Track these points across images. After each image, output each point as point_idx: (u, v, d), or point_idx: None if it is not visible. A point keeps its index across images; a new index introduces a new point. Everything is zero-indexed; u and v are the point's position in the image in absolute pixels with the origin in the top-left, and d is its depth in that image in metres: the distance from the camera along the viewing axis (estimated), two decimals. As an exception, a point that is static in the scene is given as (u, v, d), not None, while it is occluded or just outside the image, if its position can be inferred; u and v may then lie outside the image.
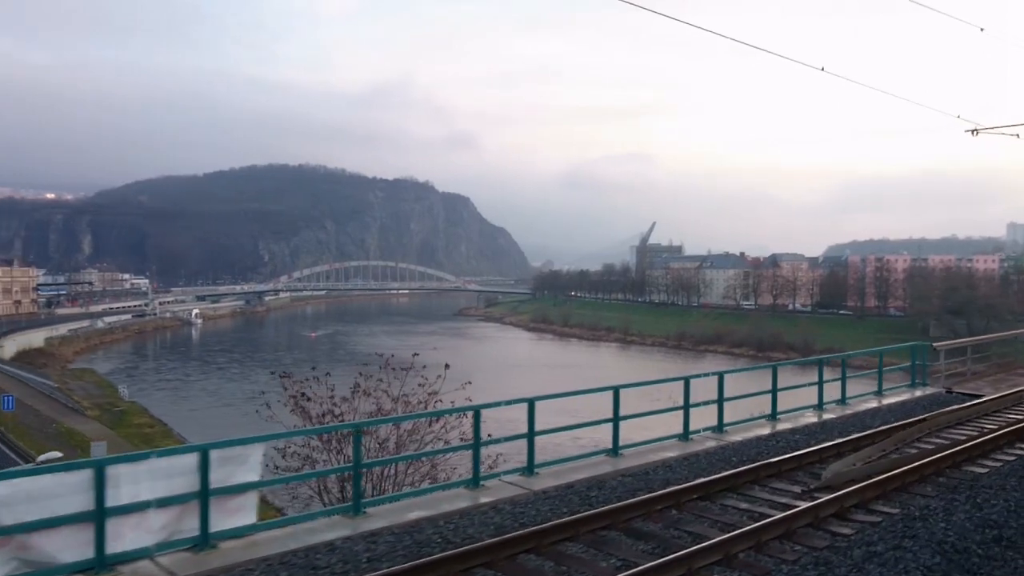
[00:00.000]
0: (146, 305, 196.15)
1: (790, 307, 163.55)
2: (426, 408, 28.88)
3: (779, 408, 15.58)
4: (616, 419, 12.60)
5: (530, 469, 11.46)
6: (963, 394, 17.46)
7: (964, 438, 13.39)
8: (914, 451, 12.70)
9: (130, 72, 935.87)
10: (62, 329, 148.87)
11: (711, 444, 13.56)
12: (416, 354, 23.65)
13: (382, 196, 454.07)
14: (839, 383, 17.34)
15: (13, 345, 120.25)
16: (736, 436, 14.15)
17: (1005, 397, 16.33)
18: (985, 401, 15.89)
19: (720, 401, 14.56)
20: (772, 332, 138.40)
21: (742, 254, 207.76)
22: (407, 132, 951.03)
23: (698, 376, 14.53)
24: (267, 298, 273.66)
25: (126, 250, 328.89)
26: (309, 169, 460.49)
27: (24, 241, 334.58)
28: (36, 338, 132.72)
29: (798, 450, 12.52)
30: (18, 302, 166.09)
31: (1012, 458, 12.45)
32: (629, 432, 13.67)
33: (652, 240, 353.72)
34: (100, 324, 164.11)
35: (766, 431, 14.54)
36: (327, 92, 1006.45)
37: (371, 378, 32.50)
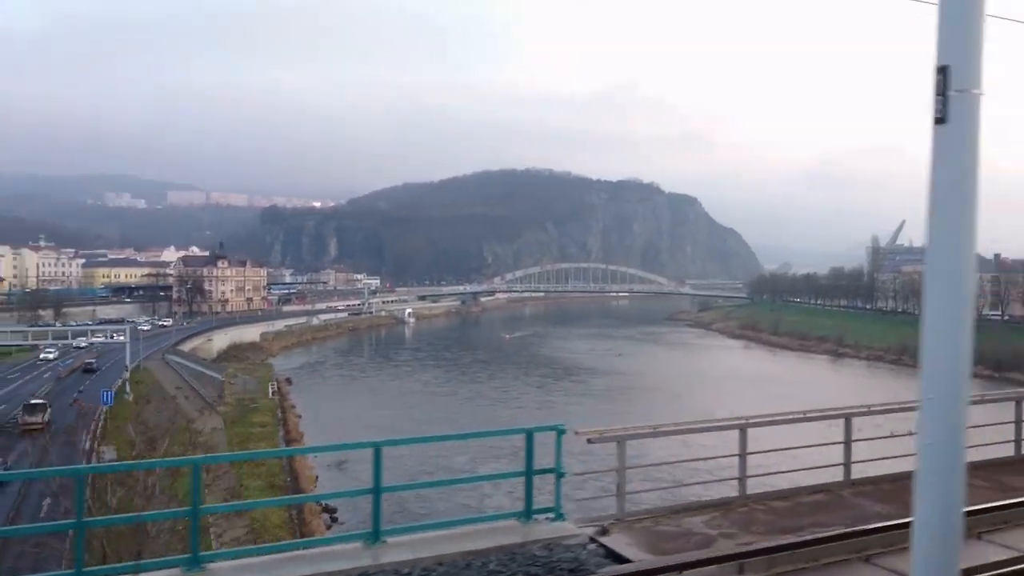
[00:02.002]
0: (362, 304, 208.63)
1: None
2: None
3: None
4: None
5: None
6: (610, 553, 7.89)
7: None
8: None
9: (380, 89, 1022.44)
10: (279, 325, 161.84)
11: None
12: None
13: (605, 198, 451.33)
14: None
15: (224, 339, 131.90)
16: None
17: None
18: None
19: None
20: (1016, 349, 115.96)
21: (997, 256, 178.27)
22: (634, 133, 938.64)
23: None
24: (483, 299, 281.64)
25: (365, 252, 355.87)
26: (535, 173, 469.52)
27: (282, 245, 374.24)
28: (251, 332, 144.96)
29: None
30: (250, 299, 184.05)
31: None
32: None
33: (900, 240, 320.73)
34: (315, 321, 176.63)
35: None
36: (557, 97, 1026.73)
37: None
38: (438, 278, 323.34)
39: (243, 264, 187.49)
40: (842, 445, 10.71)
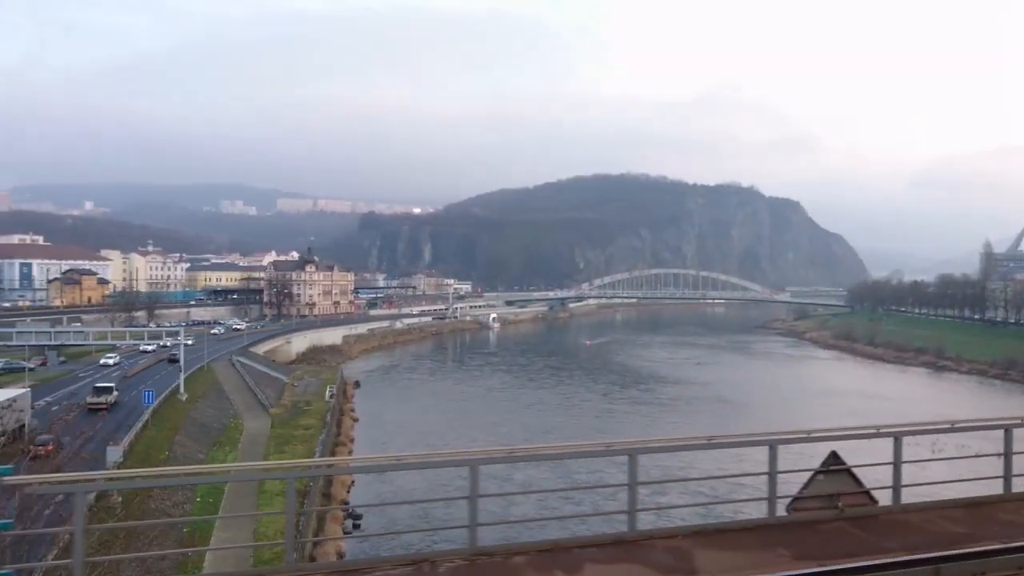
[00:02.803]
0: (447, 309, 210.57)
1: None
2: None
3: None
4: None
5: None
6: None
7: None
8: None
9: (481, 97, 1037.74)
10: (361, 328, 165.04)
11: None
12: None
13: (702, 203, 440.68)
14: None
15: (304, 341, 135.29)
16: None
17: None
18: None
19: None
20: None
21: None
22: (734, 137, 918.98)
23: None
24: (571, 305, 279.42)
25: (458, 257, 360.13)
26: (631, 178, 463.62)
27: (379, 250, 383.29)
28: (332, 336, 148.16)
29: None
30: (336, 303, 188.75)
31: None
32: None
33: (1022, 246, 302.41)
34: (398, 325, 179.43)
35: None
36: (655, 101, 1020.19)
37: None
38: (529, 283, 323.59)
39: (330, 268, 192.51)
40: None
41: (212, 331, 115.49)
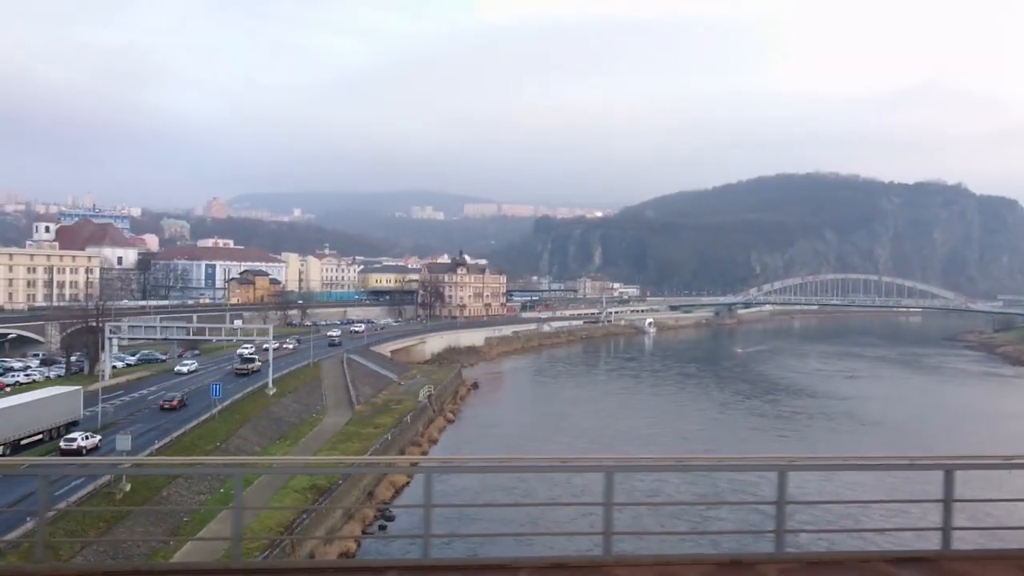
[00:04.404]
0: (600, 313, 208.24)
1: None
2: None
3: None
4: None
5: None
6: None
7: None
8: None
9: (669, 100, 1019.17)
10: (506, 330, 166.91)
11: None
12: None
13: (898, 202, 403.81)
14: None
15: (440, 342, 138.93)
16: None
17: None
18: None
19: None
20: None
21: None
22: (938, 132, 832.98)
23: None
24: (741, 310, 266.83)
25: (628, 261, 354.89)
26: (818, 177, 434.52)
27: (550, 253, 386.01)
28: (472, 337, 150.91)
29: None
30: (488, 305, 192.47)
31: None
32: None
33: None
34: (545, 328, 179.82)
35: None
36: (848, 98, 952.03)
37: None
38: (700, 288, 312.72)
39: (482, 271, 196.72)
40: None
41: (329, 333, 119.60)
